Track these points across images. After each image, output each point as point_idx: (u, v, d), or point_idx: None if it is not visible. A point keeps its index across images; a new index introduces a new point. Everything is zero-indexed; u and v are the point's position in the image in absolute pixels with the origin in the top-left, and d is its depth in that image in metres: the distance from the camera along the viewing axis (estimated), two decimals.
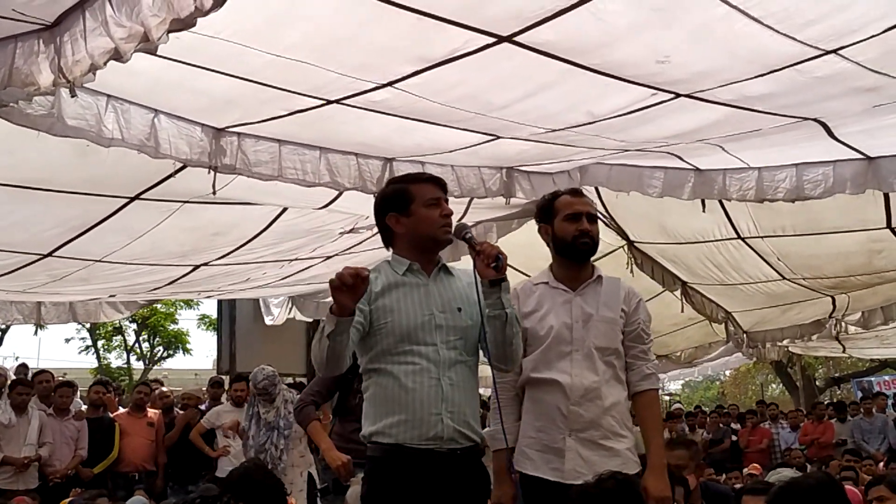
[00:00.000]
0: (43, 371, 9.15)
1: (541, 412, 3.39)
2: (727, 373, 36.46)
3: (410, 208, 3.09)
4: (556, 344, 3.39)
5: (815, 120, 4.83)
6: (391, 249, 3.21)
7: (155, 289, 8.57)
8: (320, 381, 5.17)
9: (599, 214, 3.52)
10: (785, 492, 3.04)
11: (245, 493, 3.54)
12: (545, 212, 3.58)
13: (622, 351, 3.44)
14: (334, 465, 4.59)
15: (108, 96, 4.07)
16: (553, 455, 3.31)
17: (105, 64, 3.00)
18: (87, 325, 28.13)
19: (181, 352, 30.23)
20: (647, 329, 3.50)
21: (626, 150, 5.54)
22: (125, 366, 30.02)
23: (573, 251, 3.45)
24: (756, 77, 3.95)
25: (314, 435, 4.96)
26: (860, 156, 5.49)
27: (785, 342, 12.66)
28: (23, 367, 10.40)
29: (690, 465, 5.23)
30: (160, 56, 3.48)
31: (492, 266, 2.97)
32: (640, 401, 3.44)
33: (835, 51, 3.66)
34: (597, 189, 6.76)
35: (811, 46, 3.61)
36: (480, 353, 3.17)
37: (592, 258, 3.57)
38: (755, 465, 10.29)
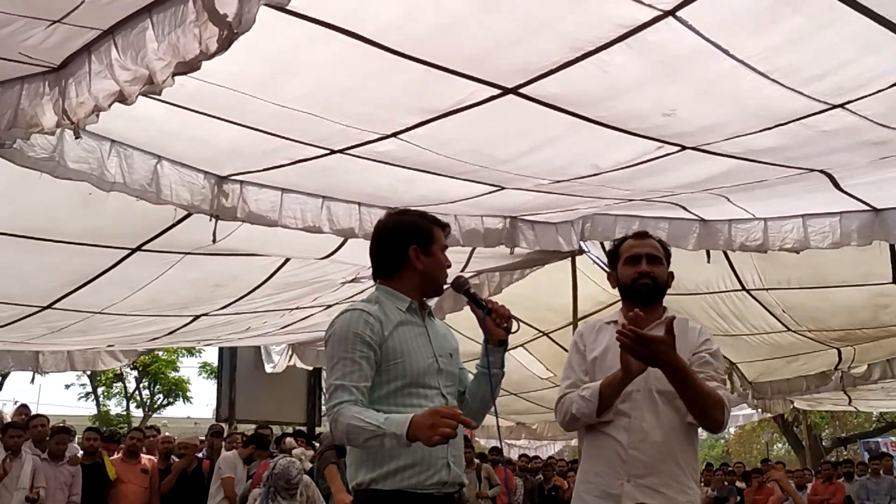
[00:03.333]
0: (38, 415, 9.02)
1: (600, 456, 3.24)
2: (732, 431, 36.07)
3: (431, 248, 2.95)
4: None
5: (821, 171, 4.82)
6: (383, 281, 2.97)
7: (154, 338, 8.51)
8: None
9: (662, 256, 3.39)
10: None
11: None
12: (611, 258, 3.52)
13: None
14: None
15: (112, 141, 4.07)
16: (611, 501, 3.17)
17: (109, 106, 2.98)
18: (88, 372, 28.01)
19: (181, 399, 30.07)
20: (716, 362, 3.26)
21: (631, 200, 5.52)
22: (125, 413, 29.79)
23: (635, 293, 3.35)
24: (762, 130, 3.94)
25: (329, 478, 5.11)
26: (867, 207, 5.47)
27: (791, 396, 12.52)
28: (23, 408, 10.22)
29: None
30: (165, 101, 3.49)
31: (503, 326, 2.92)
32: None
33: (842, 105, 3.65)
34: (601, 243, 6.74)
35: (818, 101, 3.60)
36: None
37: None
38: None
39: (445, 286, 3.05)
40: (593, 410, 3.17)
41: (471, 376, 3.10)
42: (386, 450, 2.75)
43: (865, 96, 3.54)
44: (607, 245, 5.57)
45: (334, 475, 5.22)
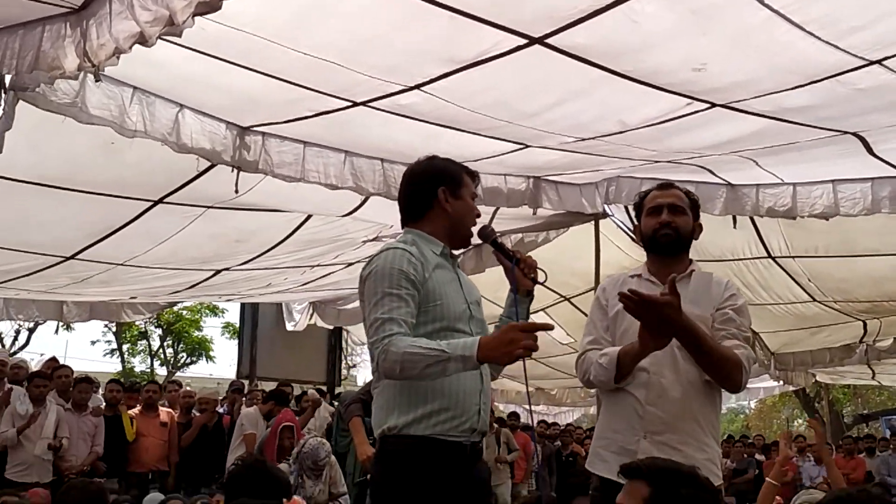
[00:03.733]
0: (63, 366, 9.11)
1: (618, 412, 3.17)
2: (752, 406, 35.92)
3: (460, 192, 2.89)
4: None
5: (853, 134, 4.70)
6: (412, 224, 2.91)
7: (175, 292, 8.55)
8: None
9: (685, 206, 3.29)
10: (839, 501, 2.79)
11: (244, 490, 3.42)
12: (636, 211, 3.44)
13: None
14: (361, 458, 4.95)
15: (134, 88, 4.04)
16: (627, 457, 3.08)
17: (130, 48, 2.95)
18: (113, 329, 28.32)
19: (204, 359, 30.37)
20: (740, 318, 3.16)
21: (657, 162, 5.42)
22: (149, 370, 30.15)
23: (656, 245, 3.26)
24: (795, 88, 3.83)
25: (354, 430, 5.31)
26: None
27: (814, 368, 12.41)
28: (53, 361, 10.32)
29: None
30: (185, 47, 3.45)
31: (531, 277, 2.90)
32: None
33: (879, 61, 3.54)
34: (626, 207, 6.64)
35: (854, 56, 3.49)
36: None
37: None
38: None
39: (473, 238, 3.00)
40: (611, 378, 3.12)
41: (492, 328, 3.05)
42: (420, 393, 2.72)
43: None
44: (632, 210, 5.52)
45: (359, 428, 5.29)
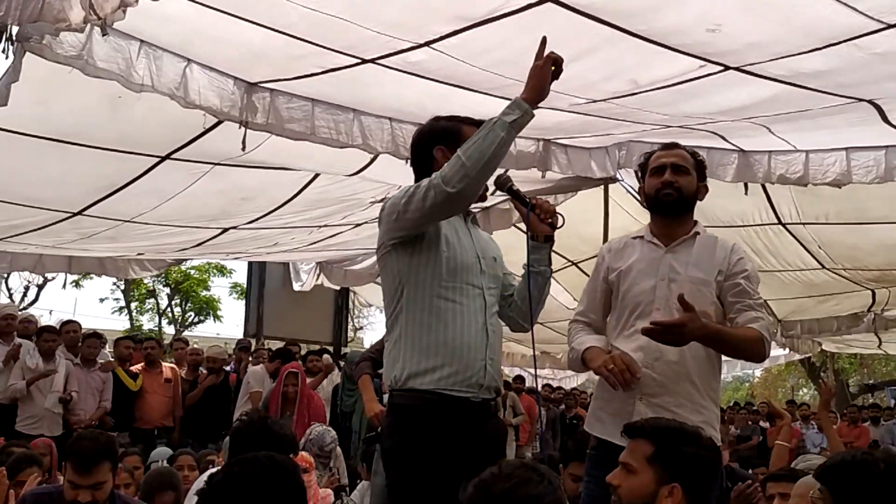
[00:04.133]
0: (71, 321, 9.16)
1: None
2: (757, 374, 35.99)
3: (460, 144, 2.80)
4: (638, 302, 3.18)
5: (869, 102, 4.62)
6: None
7: (182, 249, 8.56)
8: (381, 341, 5.22)
9: (689, 167, 3.26)
10: (843, 464, 2.77)
11: (248, 446, 3.40)
12: (641, 171, 3.41)
13: (712, 314, 3.13)
14: (370, 415, 4.96)
15: (141, 41, 3.99)
16: (622, 419, 3.11)
17: (136, 1, 2.90)
18: (122, 287, 28.47)
19: (212, 318, 30.54)
20: (753, 286, 3.17)
21: (669, 127, 5.36)
22: (157, 328, 30.35)
23: (658, 205, 3.24)
24: (811, 51, 3.76)
25: (362, 388, 5.31)
26: None
27: (820, 337, 12.40)
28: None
29: (725, 442, 5.11)
30: (193, 0, 3.40)
31: (548, 222, 2.86)
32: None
33: None
34: (635, 171, 6.59)
35: (873, 19, 3.41)
36: None
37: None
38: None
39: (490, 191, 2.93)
40: (576, 369, 3.27)
41: (518, 280, 3.07)
42: (424, 347, 2.73)
43: None
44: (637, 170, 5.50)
45: (367, 385, 5.33)
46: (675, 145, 3.32)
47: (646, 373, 3.08)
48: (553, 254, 3.08)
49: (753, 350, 3.07)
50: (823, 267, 8.72)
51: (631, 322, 3.17)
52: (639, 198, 3.43)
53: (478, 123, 2.89)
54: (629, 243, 3.32)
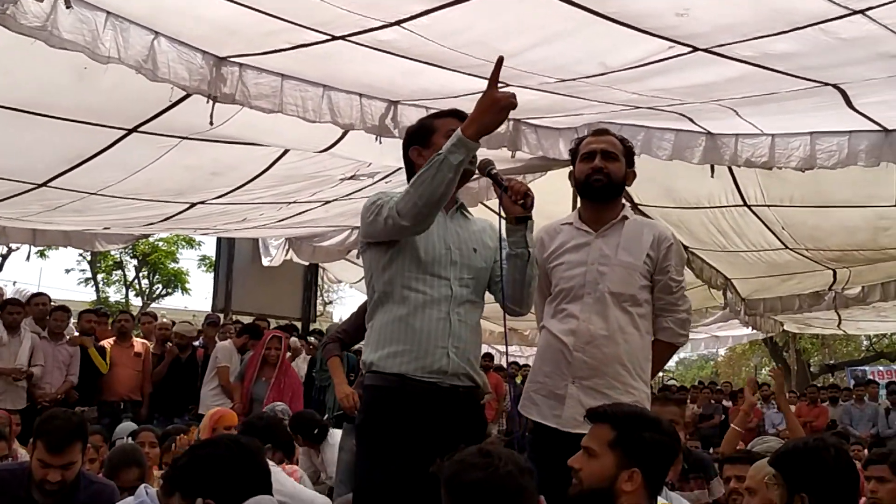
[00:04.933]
0: (40, 293, 9.06)
1: (549, 357, 3.30)
2: (721, 353, 36.52)
3: (431, 139, 2.97)
4: (569, 287, 3.28)
5: (834, 86, 4.69)
6: None
7: (150, 224, 8.49)
8: (350, 320, 5.28)
9: (618, 153, 3.34)
10: (796, 451, 2.86)
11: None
12: (572, 156, 3.47)
13: (642, 298, 3.30)
14: (339, 397, 4.99)
15: (108, 13, 3.92)
16: (555, 401, 3.21)
17: None
18: (88, 258, 28.16)
19: (180, 291, 30.34)
20: (677, 276, 3.37)
21: (637, 108, 5.40)
22: (124, 300, 30.08)
23: (588, 190, 3.33)
24: (779, 34, 3.80)
25: (332, 370, 5.33)
26: (877, 127, 5.35)
27: (782, 316, 12.58)
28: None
29: (681, 423, 5.19)
30: None
31: (519, 203, 2.86)
32: (652, 347, 3.39)
33: (863, 11, 3.51)
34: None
35: (838, 4, 3.46)
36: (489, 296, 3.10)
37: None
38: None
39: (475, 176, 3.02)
40: None
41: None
42: (387, 333, 2.88)
43: (889, 2, 3.40)
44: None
45: (336, 367, 5.36)
46: (605, 131, 3.44)
47: (577, 357, 3.20)
48: None
49: (671, 353, 3.56)
50: (786, 247, 8.86)
51: (562, 306, 3.26)
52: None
53: (449, 113, 3.02)
54: (559, 229, 3.41)
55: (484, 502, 2.30)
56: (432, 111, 5.20)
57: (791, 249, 8.93)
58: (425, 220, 2.80)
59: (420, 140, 3.02)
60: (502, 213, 2.91)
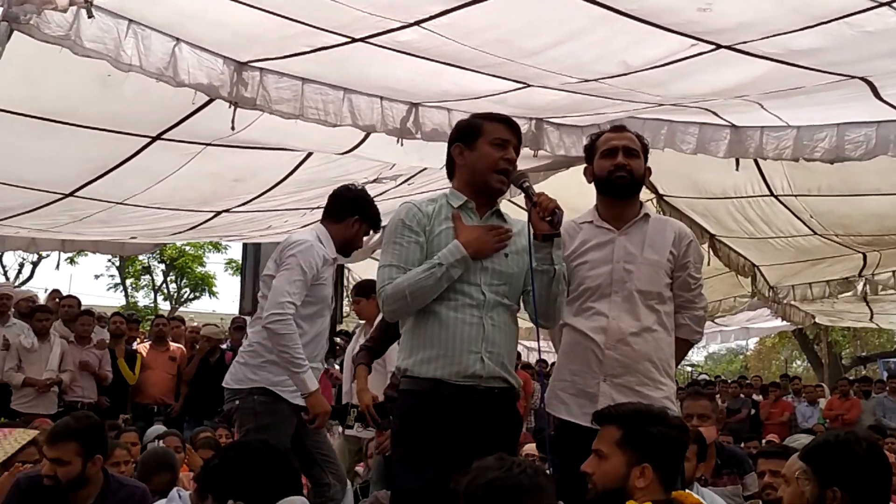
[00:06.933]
0: (69, 296, 9.16)
1: (576, 355, 3.27)
2: (751, 346, 36.16)
3: (476, 142, 3.00)
4: (595, 285, 3.26)
5: (860, 79, 4.61)
6: (451, 183, 3.16)
7: (176, 233, 8.54)
8: (379, 327, 5.28)
9: (639, 149, 3.32)
10: (827, 444, 2.83)
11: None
12: (587, 152, 3.44)
13: (667, 295, 3.29)
14: (362, 406, 4.98)
15: (130, 21, 3.95)
16: (586, 400, 3.19)
17: None
18: (116, 263, 28.43)
19: (207, 294, 30.56)
20: (696, 273, 3.36)
21: (661, 105, 5.35)
22: (152, 304, 30.34)
23: (610, 187, 3.29)
24: (803, 29, 3.75)
25: (357, 377, 5.35)
26: None
27: (812, 307, 12.41)
28: (56, 293, 10.35)
29: (713, 417, 5.14)
30: None
31: (546, 220, 2.86)
32: None
33: (888, 3, 3.45)
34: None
35: None
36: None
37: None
38: (774, 435, 10.14)
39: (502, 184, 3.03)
40: None
41: None
42: (420, 339, 2.93)
43: None
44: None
45: (361, 375, 5.36)
46: (623, 128, 3.43)
47: (609, 355, 3.18)
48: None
49: (687, 350, 3.60)
50: (815, 233, 8.76)
51: (588, 304, 3.25)
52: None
53: (499, 119, 3.05)
54: (579, 227, 3.37)
55: (501, 499, 2.32)
56: (454, 113, 5.23)
57: (820, 235, 8.84)
58: (402, 316, 3.02)
59: (466, 139, 3.03)
60: (531, 229, 2.91)
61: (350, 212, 4.22)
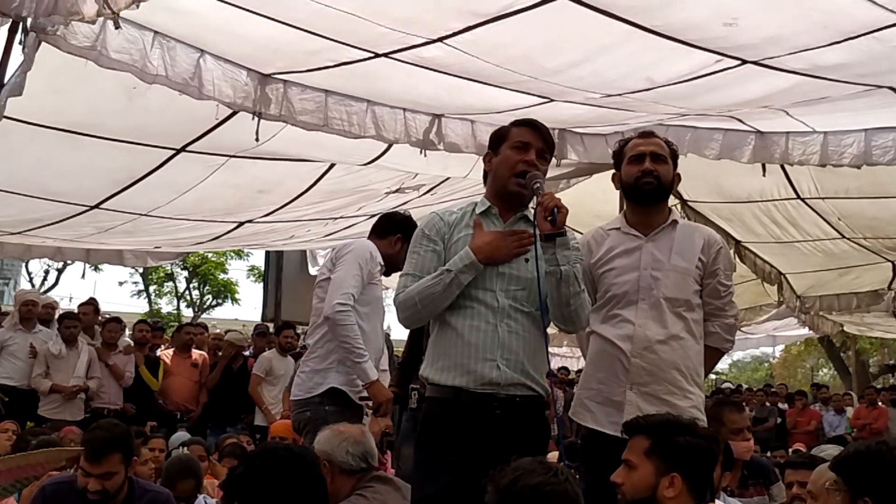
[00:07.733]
0: (87, 302, 9.19)
1: (603, 363, 3.23)
2: (777, 354, 35.70)
3: (500, 148, 2.98)
4: (622, 292, 3.22)
5: (889, 88, 4.55)
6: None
7: (199, 243, 8.60)
8: (406, 344, 5.30)
9: (666, 155, 3.27)
10: (857, 454, 2.74)
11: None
12: (616, 158, 3.40)
13: (695, 302, 3.22)
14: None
15: (155, 33, 3.97)
16: (613, 408, 3.15)
17: None
18: (140, 270, 28.60)
19: (230, 301, 30.68)
20: (726, 281, 3.30)
21: (685, 115, 5.31)
22: (175, 311, 30.50)
23: (637, 193, 3.25)
24: (831, 45, 3.69)
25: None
26: None
27: (839, 317, 12.23)
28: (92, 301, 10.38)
29: (744, 427, 5.05)
30: None
31: (548, 219, 2.77)
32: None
33: None
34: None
35: (892, 11, 3.35)
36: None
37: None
38: (801, 444, 10.01)
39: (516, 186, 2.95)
40: None
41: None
42: (438, 348, 2.93)
43: None
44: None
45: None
46: (651, 133, 3.37)
47: (635, 363, 3.14)
48: (572, 230, 2.99)
49: (718, 358, 3.51)
50: (843, 236, 8.61)
51: (615, 312, 3.21)
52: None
53: (525, 123, 3.01)
54: (606, 234, 3.34)
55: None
56: (477, 125, 5.22)
57: (848, 238, 8.68)
58: (416, 323, 3.06)
59: (494, 146, 3.03)
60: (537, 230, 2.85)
61: (393, 230, 4.33)
